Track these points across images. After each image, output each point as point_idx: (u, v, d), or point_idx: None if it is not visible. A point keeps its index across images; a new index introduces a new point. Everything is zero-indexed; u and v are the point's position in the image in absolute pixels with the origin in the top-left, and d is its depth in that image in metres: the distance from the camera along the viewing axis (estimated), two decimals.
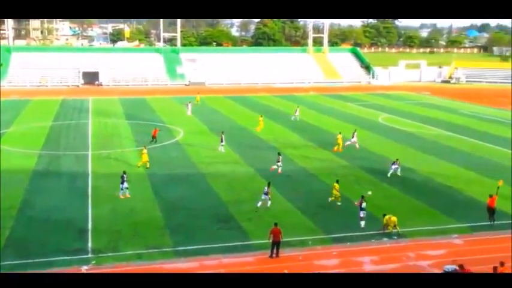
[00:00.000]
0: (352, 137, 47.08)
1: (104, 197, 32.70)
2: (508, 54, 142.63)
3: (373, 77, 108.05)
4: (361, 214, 28.53)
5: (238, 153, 44.19)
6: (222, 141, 44.29)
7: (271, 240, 25.16)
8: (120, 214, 30.06)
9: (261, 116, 55.38)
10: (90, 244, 26.22)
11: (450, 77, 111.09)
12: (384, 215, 28.14)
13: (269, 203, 31.09)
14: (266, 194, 31.17)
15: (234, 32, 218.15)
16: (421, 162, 42.43)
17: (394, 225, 27.57)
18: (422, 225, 28.94)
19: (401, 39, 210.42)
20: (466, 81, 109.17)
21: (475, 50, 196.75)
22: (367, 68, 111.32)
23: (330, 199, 32.20)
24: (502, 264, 21.69)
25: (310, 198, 33.13)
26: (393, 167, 38.20)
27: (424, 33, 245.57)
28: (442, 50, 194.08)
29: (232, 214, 30.20)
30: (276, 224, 25.75)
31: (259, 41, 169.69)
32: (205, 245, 26.23)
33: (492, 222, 28.98)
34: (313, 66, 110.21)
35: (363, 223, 28.54)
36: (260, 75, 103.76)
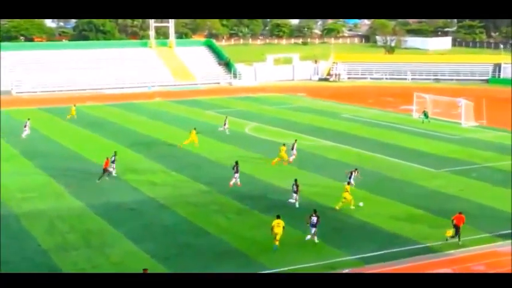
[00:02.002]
0: (292, 149, 49.69)
1: None
2: (393, 44, 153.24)
3: (235, 77, 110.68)
4: (312, 231, 32.17)
5: (63, 183, 43.25)
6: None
7: None
8: None
9: (195, 129, 56.46)
10: None
11: (329, 74, 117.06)
12: None
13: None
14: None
15: (49, 22, 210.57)
16: (299, 180, 44.08)
17: None
18: (304, 261, 30.06)
19: (267, 28, 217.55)
20: (348, 78, 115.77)
21: (356, 40, 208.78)
22: (226, 65, 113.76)
23: (337, 207, 36.65)
24: None
25: (165, 237, 33.06)
26: (353, 176, 40.54)
27: (295, 21, 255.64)
28: (317, 41, 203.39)
29: (57, 264, 29.22)
30: None
31: (84, 33, 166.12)
32: None
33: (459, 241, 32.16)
34: (157, 65, 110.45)
35: (312, 238, 32.24)
36: (87, 79, 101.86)
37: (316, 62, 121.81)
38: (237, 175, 42.87)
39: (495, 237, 33.18)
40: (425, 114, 68.03)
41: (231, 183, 42.73)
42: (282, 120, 70.50)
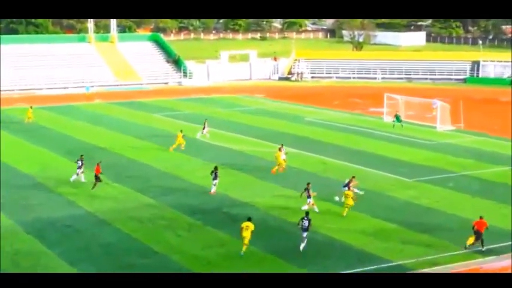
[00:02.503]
0: (280, 152, 49.99)
1: None
2: (361, 39, 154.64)
3: (185, 76, 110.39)
4: (304, 234, 33.56)
5: None
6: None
7: None
8: None
9: (181, 131, 57.99)
10: None
11: (290, 73, 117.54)
12: None
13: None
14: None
15: None
16: (255, 192, 44.13)
17: None
18: None
19: (221, 21, 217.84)
20: (311, 77, 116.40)
21: (320, 35, 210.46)
22: (175, 62, 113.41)
23: (344, 214, 38.71)
24: None
25: (107, 258, 32.74)
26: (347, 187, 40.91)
27: None
28: (277, 36, 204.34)
29: None
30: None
31: (13, 26, 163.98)
32: None
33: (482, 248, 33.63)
34: (97, 63, 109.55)
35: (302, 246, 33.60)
36: (15, 78, 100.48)
37: (276, 59, 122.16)
38: (215, 182, 43.81)
39: (476, 253, 33.61)
40: (398, 118, 68.24)
41: (212, 191, 43.70)
42: (238, 124, 70.53)
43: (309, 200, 39.86)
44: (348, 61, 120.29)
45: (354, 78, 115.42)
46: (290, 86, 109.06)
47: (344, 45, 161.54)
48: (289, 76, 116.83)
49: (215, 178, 43.90)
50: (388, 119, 71.66)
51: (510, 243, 34.86)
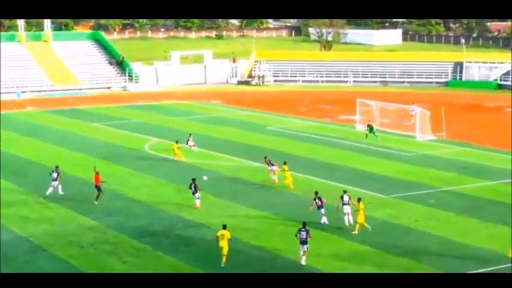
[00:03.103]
0: (272, 165, 51.30)
1: None
2: (330, 38, 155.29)
3: (130, 79, 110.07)
4: (305, 248, 35.22)
5: None
6: None
7: None
8: None
9: (177, 142, 58.90)
10: None
11: (250, 76, 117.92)
12: None
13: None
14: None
15: None
16: (210, 213, 44.10)
17: None
18: None
19: None
20: (274, 80, 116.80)
21: (284, 33, 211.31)
22: (119, 64, 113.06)
23: (355, 231, 39.63)
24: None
25: None
26: (345, 200, 41.15)
27: None
28: (235, 34, 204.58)
29: None
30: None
31: None
32: None
33: None
34: (29, 65, 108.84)
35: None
36: None
37: (234, 60, 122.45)
38: (197, 195, 44.83)
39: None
40: (371, 129, 67.61)
41: (197, 204, 44.73)
42: (190, 134, 70.28)
43: (322, 210, 41.11)
44: (315, 62, 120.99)
45: (322, 81, 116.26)
46: (250, 91, 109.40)
47: (311, 44, 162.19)
48: (249, 80, 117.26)
49: (196, 191, 44.83)
50: (361, 127, 72.07)
51: (501, 267, 35.02)
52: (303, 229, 35.26)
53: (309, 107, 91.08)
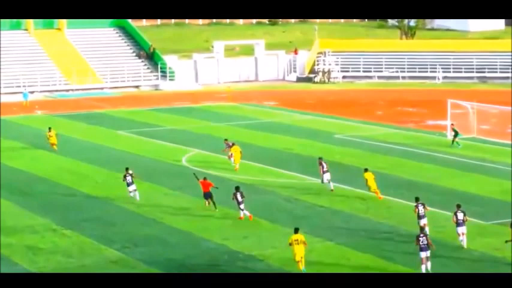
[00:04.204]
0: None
1: None
2: (413, 23, 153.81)
3: (163, 76, 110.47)
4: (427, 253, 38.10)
5: None
6: None
7: None
8: None
9: (233, 144, 62.09)
10: None
11: (313, 71, 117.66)
12: None
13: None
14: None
15: None
16: (261, 241, 44.08)
17: None
18: None
19: None
20: (343, 77, 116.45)
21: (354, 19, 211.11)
22: (150, 57, 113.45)
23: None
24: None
25: None
26: None
27: None
28: (293, 19, 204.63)
29: None
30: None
31: None
32: None
33: None
34: (38, 58, 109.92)
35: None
36: None
37: (296, 52, 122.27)
38: (242, 206, 47.35)
39: None
40: (456, 133, 67.96)
41: (242, 215, 47.47)
42: (239, 145, 69.90)
43: (424, 221, 43.42)
44: (394, 54, 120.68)
45: (403, 78, 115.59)
46: (313, 90, 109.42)
47: (388, 31, 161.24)
48: (312, 76, 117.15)
49: (241, 202, 47.19)
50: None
51: None
52: (421, 235, 37.88)
53: (386, 110, 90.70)
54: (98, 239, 44.81)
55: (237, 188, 47.55)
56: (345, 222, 47.63)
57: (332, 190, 53.87)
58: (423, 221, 43.34)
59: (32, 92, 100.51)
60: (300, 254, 37.57)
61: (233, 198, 47.38)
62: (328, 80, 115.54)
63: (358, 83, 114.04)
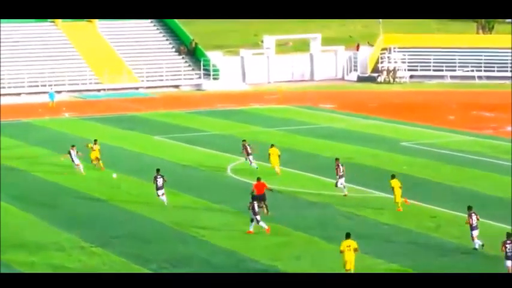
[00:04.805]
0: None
1: None
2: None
3: (206, 75, 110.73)
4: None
5: None
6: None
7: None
8: None
9: (273, 146, 64.06)
10: None
11: (376, 70, 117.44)
12: None
13: None
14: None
15: None
16: (322, 262, 43.93)
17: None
18: None
19: None
20: (411, 76, 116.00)
21: None
22: (191, 53, 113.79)
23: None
24: None
25: None
26: None
27: None
28: None
29: None
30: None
31: None
32: None
33: None
34: (66, 54, 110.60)
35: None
36: None
37: (357, 48, 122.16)
38: (258, 217, 48.06)
39: None
40: None
41: (266, 227, 48.08)
42: (292, 153, 70.29)
43: (476, 233, 44.27)
44: (469, 51, 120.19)
45: (479, 78, 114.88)
46: (376, 91, 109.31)
47: (463, 24, 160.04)
48: (375, 75, 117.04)
49: (257, 213, 47.99)
50: None
51: None
52: (508, 241, 38.81)
53: (460, 114, 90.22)
54: (131, 257, 44.85)
55: (254, 198, 48.95)
56: (411, 244, 47.25)
57: (346, 195, 55.96)
58: (475, 233, 43.87)
59: (59, 92, 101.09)
60: (351, 262, 39.04)
61: (249, 208, 47.99)
62: (394, 80, 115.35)
63: (427, 83, 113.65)
